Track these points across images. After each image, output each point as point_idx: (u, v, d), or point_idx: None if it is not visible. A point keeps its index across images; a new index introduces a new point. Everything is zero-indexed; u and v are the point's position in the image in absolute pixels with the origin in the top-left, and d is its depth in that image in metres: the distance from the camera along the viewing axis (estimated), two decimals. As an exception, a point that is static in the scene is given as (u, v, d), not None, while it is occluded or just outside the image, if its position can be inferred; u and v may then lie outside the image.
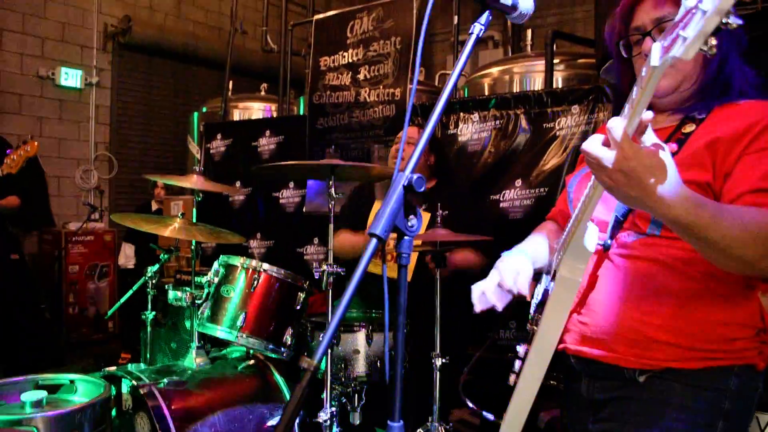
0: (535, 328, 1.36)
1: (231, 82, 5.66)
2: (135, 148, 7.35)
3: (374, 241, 1.05)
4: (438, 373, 2.42)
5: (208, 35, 7.93)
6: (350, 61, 4.21)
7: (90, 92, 6.96)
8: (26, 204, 3.66)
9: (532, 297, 1.52)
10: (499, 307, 1.44)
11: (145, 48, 7.27)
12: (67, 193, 6.73)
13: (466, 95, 4.78)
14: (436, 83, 5.84)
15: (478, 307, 1.46)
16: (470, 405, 2.14)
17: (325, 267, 2.10)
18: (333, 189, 2.12)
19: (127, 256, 5.68)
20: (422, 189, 1.07)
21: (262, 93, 5.96)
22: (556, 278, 1.30)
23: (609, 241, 1.35)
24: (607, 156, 1.02)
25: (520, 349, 1.43)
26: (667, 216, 1.07)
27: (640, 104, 0.97)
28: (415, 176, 1.08)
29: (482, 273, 1.50)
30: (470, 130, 3.71)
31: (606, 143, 1.04)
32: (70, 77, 6.77)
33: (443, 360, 2.42)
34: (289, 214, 4.42)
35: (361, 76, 4.15)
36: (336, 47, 4.29)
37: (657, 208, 1.05)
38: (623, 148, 1.00)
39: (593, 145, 1.05)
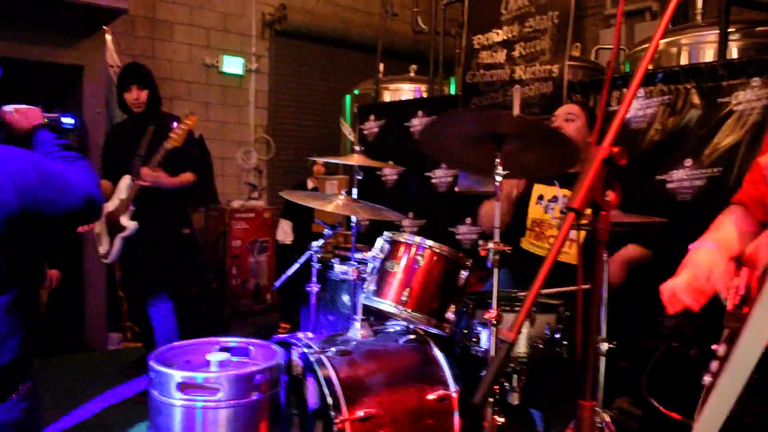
0: (736, 325, 1.26)
1: (382, 65, 5.76)
2: (290, 130, 7.73)
3: (570, 215, 1.02)
4: (603, 358, 2.34)
5: (358, 19, 8.12)
6: (505, 38, 4.13)
7: (250, 78, 7.39)
8: (197, 182, 3.93)
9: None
10: (695, 307, 1.36)
11: (299, 34, 7.59)
12: (230, 173, 7.22)
13: (627, 70, 4.54)
14: (593, 58, 5.59)
15: (671, 308, 1.38)
16: (655, 404, 2.05)
17: (491, 244, 2.09)
18: (499, 167, 2.09)
19: (285, 232, 6.00)
20: (622, 162, 1.03)
21: (412, 74, 6.02)
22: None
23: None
24: None
25: (719, 348, 1.33)
26: None
27: None
28: (615, 149, 1.04)
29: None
30: (634, 107, 3.51)
31: None
32: (232, 65, 7.22)
33: (610, 345, 2.33)
34: (441, 193, 4.45)
35: (516, 54, 4.06)
36: (490, 25, 4.22)
37: None
38: None
39: None
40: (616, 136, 0.99)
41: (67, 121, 5.12)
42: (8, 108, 2.08)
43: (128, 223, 3.65)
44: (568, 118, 2.86)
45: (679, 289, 1.36)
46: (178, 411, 2.11)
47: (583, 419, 1.13)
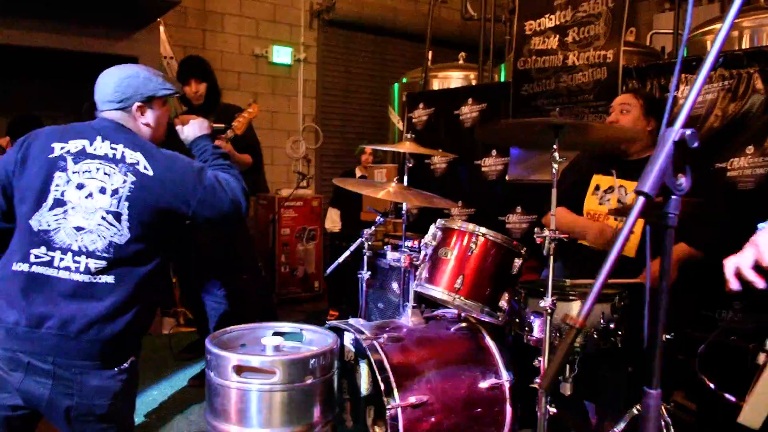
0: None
1: (431, 53, 5.73)
2: (338, 119, 7.77)
3: (641, 199, 1.00)
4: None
5: (405, 7, 8.08)
6: (557, 23, 4.05)
7: (298, 68, 7.45)
8: (252, 167, 3.97)
9: None
10: (760, 284, 1.31)
11: (346, 23, 7.60)
12: (279, 162, 7.30)
13: (685, 55, 4.40)
14: (648, 43, 5.44)
15: (734, 284, 1.34)
16: (711, 385, 2.00)
17: (547, 232, 2.06)
18: (556, 153, 2.06)
19: (333, 220, 6.04)
20: (695, 145, 1.00)
21: (461, 62, 5.97)
22: None
23: None
24: None
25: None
26: None
27: None
28: (688, 131, 1.01)
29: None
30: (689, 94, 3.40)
31: None
32: (281, 55, 7.29)
33: (668, 336, 2.28)
34: (491, 182, 4.41)
35: (569, 39, 3.98)
36: (542, 10, 4.14)
37: None
38: None
39: None
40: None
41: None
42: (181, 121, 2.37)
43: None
44: (623, 110, 2.80)
45: (743, 266, 1.32)
46: (234, 393, 2.15)
47: (649, 407, 1.11)
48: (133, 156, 1.95)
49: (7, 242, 1.95)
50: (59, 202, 1.87)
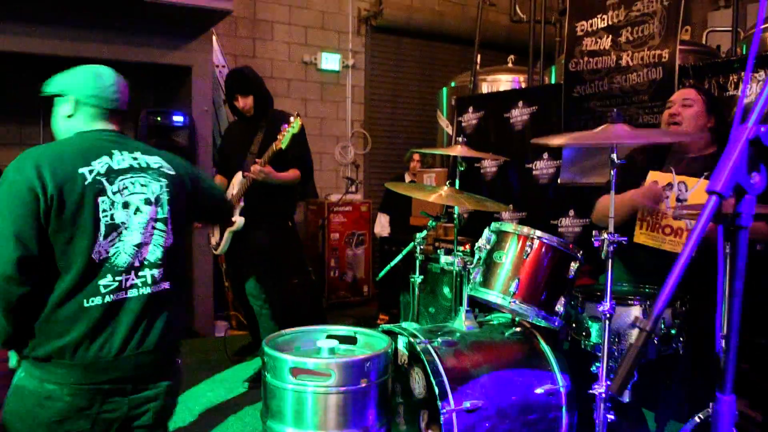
0: None
1: (479, 56, 5.70)
2: (386, 124, 7.80)
3: (714, 198, 0.97)
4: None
5: (452, 11, 8.07)
6: (610, 23, 3.98)
7: (346, 74, 7.51)
8: (301, 179, 4.02)
9: None
10: None
11: (394, 29, 7.63)
12: (328, 167, 7.37)
13: (743, 52, 4.26)
14: (704, 42, 5.30)
15: None
16: None
17: (605, 235, 2.02)
18: (615, 155, 2.02)
19: (382, 225, 6.06)
20: (771, 142, 0.97)
21: (510, 65, 5.92)
22: None
23: None
24: None
25: None
26: None
27: None
28: (762, 128, 0.98)
29: None
30: (754, 91, 3.30)
31: None
32: (330, 61, 7.35)
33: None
34: (543, 185, 4.35)
35: (622, 39, 3.90)
36: (594, 10, 4.07)
37: None
38: None
39: None
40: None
41: (178, 119, 5.37)
42: None
43: (237, 219, 3.80)
44: (685, 104, 2.72)
45: None
46: (290, 395, 2.18)
47: (721, 414, 1.07)
48: (153, 160, 1.94)
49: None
50: (112, 227, 1.79)
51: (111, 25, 4.86)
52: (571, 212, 4.15)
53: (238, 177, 3.86)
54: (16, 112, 5.52)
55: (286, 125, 3.65)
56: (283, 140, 3.63)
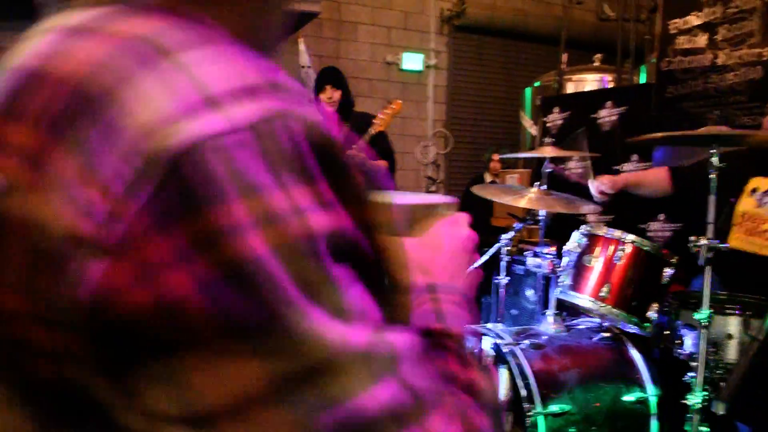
0: None
1: (565, 55, 5.60)
2: (468, 124, 7.77)
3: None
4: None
5: (536, 10, 7.95)
6: (706, 20, 3.83)
7: (428, 74, 7.54)
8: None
9: None
10: None
11: (477, 28, 7.60)
12: (409, 167, 7.41)
13: None
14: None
15: None
16: None
17: (704, 241, 1.97)
18: (715, 159, 1.96)
19: (462, 226, 6.04)
20: None
21: (597, 63, 5.78)
22: None
23: None
24: None
25: None
26: None
27: None
28: None
29: None
30: None
31: None
32: (412, 61, 7.41)
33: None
34: (631, 188, 4.23)
35: (719, 37, 3.75)
36: (688, 7, 3.94)
37: None
38: None
39: None
40: None
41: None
42: None
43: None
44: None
45: None
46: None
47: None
48: None
49: None
50: None
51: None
52: (662, 216, 4.03)
53: None
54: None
55: (385, 109, 3.70)
56: (383, 122, 3.68)
